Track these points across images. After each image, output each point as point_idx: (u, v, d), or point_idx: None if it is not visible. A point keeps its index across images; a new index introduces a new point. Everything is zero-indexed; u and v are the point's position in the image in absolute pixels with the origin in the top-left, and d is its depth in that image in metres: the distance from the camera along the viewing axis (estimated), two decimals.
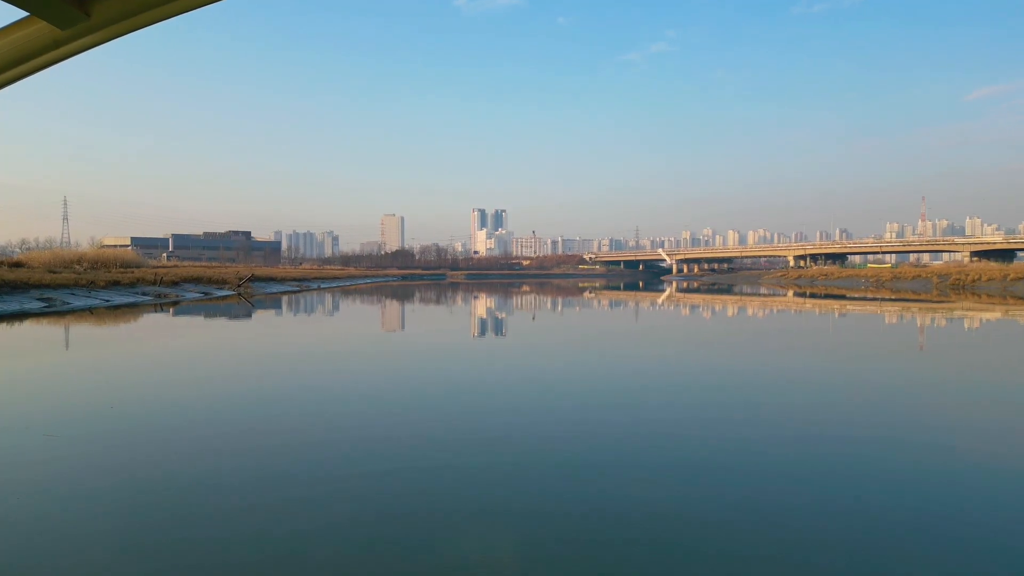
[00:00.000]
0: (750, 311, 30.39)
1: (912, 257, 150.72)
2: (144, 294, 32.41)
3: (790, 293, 52.74)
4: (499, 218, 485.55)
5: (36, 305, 24.72)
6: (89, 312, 23.87)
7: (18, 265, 34.53)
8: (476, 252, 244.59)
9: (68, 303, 26.37)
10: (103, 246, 62.79)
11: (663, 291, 62.20)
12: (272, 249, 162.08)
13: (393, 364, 12.08)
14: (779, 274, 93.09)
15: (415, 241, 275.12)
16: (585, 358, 12.74)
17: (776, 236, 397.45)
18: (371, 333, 18.48)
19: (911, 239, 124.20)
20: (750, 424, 7.06)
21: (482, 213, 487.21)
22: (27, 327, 18.44)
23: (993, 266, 61.09)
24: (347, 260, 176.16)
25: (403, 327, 21.20)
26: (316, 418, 7.50)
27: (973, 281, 52.13)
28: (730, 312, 29.57)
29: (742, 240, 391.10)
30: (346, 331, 19.40)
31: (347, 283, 69.75)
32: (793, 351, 14.07)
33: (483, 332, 18.68)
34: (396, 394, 8.88)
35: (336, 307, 32.89)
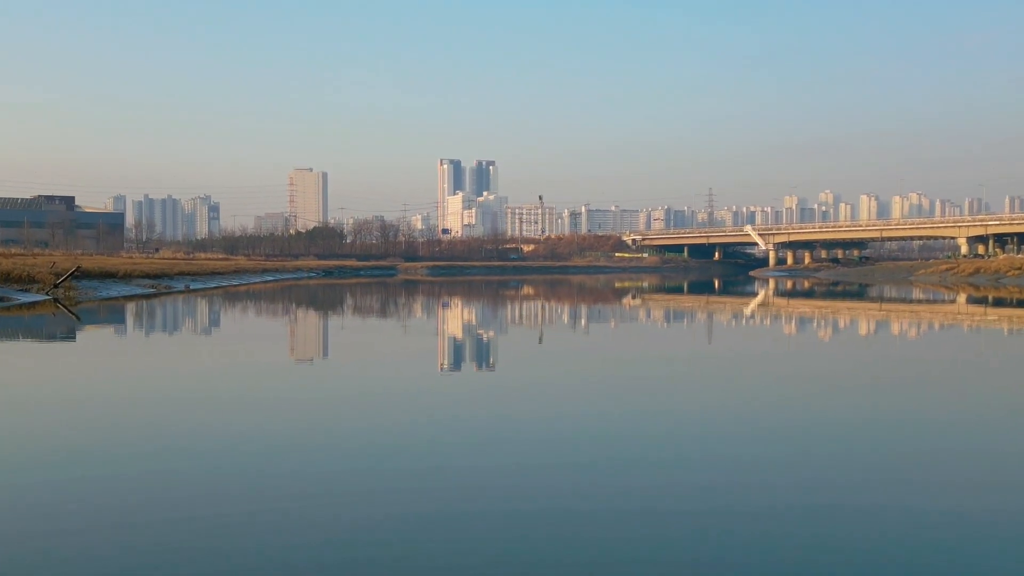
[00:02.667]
0: (915, 339, 30.62)
1: None
2: None
3: (962, 298, 53.08)
4: (483, 175, 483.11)
5: None
6: None
7: None
8: (447, 231, 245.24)
9: None
10: None
11: (753, 294, 62.39)
12: (110, 225, 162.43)
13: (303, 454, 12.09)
14: (942, 266, 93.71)
15: (345, 212, 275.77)
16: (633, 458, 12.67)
17: (938, 205, 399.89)
18: (269, 383, 18.42)
19: None
20: None
21: (455, 168, 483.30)
22: None
23: None
24: (234, 243, 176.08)
25: (322, 373, 21.02)
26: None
27: None
28: (880, 345, 29.77)
29: (882, 211, 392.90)
30: (230, 371, 19.33)
31: (235, 282, 69.69)
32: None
33: (452, 391, 18.36)
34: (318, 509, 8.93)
35: (214, 322, 32.91)
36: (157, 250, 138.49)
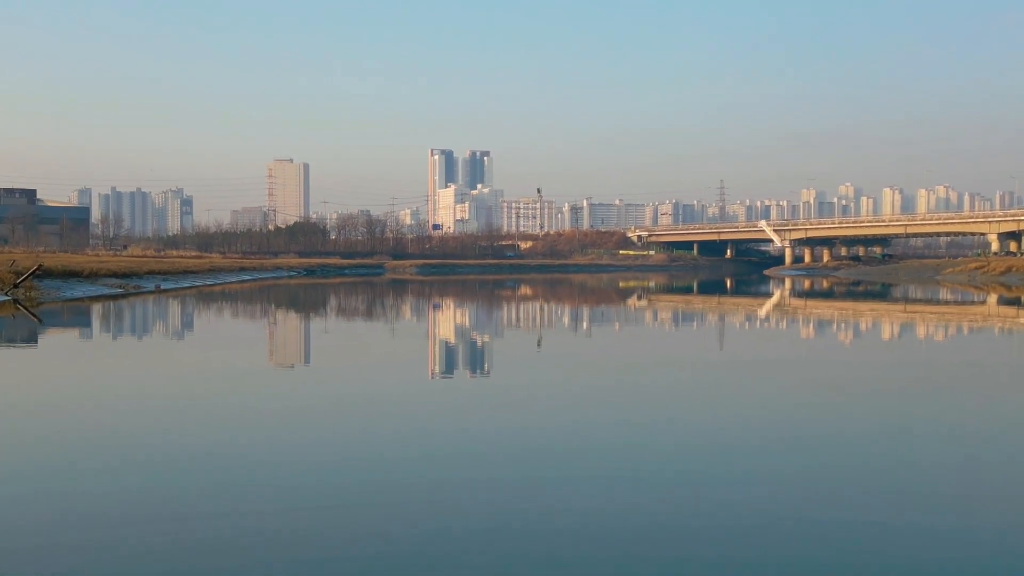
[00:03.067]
0: (943, 344, 30.63)
1: None
2: None
3: (993, 299, 53.17)
4: (477, 167, 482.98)
5: None
6: None
7: None
8: (438, 226, 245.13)
9: None
10: None
11: (768, 295, 62.44)
12: (75, 220, 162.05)
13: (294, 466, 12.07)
14: (971, 265, 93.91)
15: (328, 207, 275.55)
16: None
17: (967, 199, 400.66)
18: (244, 392, 18.38)
19: None
20: None
21: (447, 158, 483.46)
22: None
23: None
24: (208, 240, 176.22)
25: (306, 385, 20.93)
26: None
27: None
28: (905, 351, 29.80)
29: (907, 206, 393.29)
30: (204, 379, 19.28)
31: (209, 281, 69.70)
32: None
33: (444, 399, 18.30)
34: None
35: (187, 326, 32.85)
36: (125, 247, 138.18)
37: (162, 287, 56.03)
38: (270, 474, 9.47)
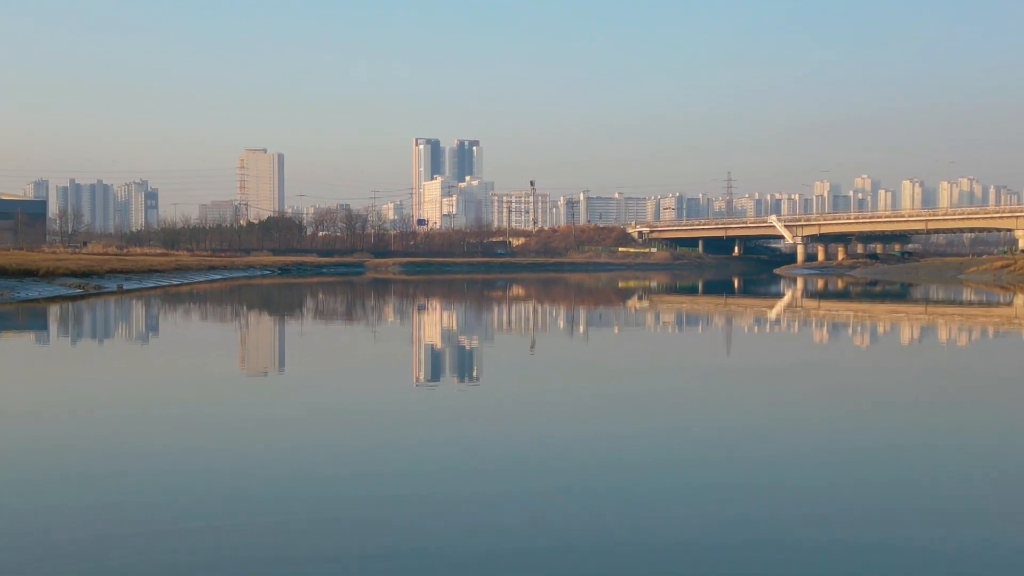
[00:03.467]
0: (966, 350, 30.71)
1: None
2: None
3: (1020, 300, 53.38)
4: (465, 158, 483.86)
5: None
6: None
7: None
8: (423, 221, 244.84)
9: None
10: None
11: (778, 296, 62.54)
12: (30, 215, 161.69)
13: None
14: (997, 263, 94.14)
15: (305, 200, 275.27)
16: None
17: (992, 192, 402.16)
18: (213, 400, 18.34)
19: None
20: None
21: (433, 148, 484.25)
22: None
23: None
24: (175, 236, 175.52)
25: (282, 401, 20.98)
26: None
27: None
28: (927, 357, 29.89)
29: (928, 199, 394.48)
30: (169, 386, 19.23)
31: (176, 281, 69.66)
32: None
33: (429, 408, 18.34)
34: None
35: (152, 329, 32.74)
36: (85, 244, 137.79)
37: (125, 287, 55.86)
38: (233, 487, 9.45)
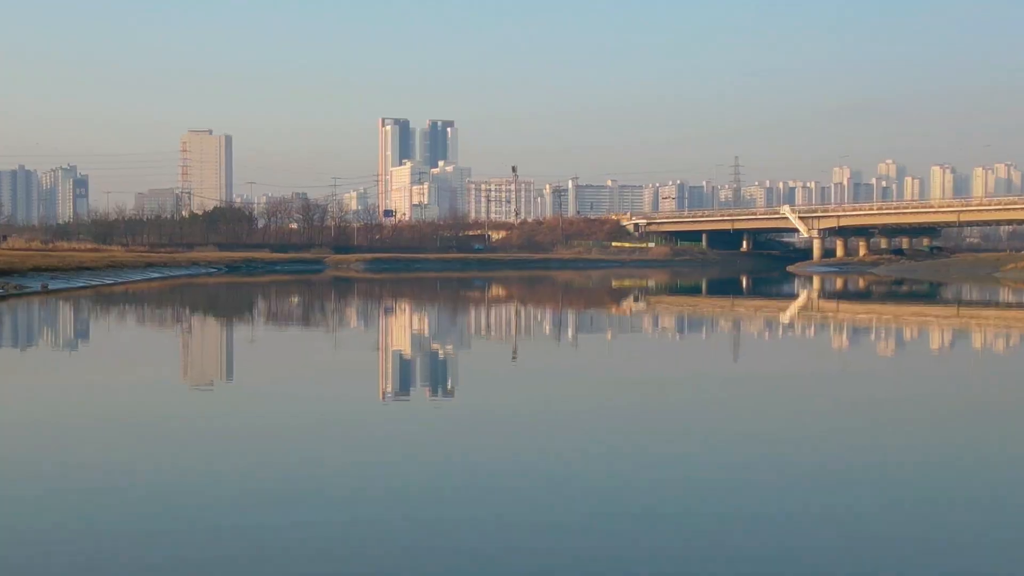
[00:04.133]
0: (1005, 357, 30.92)
1: None
2: None
3: None
4: (438, 140, 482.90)
5: None
6: None
7: None
8: (390, 212, 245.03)
9: None
10: None
11: (792, 296, 62.69)
12: None
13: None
14: None
15: (256, 188, 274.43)
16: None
17: None
18: (151, 415, 18.31)
19: None
20: None
21: (402, 129, 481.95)
22: None
23: None
24: (108, 229, 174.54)
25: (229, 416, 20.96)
26: None
27: None
28: (959, 366, 30.03)
29: (960, 188, 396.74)
30: (101, 399, 19.10)
31: (109, 280, 69.27)
32: None
33: (398, 423, 18.38)
34: None
35: (81, 335, 32.55)
36: (5, 238, 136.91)
37: (50, 287, 55.58)
38: (175, 513, 9.42)
